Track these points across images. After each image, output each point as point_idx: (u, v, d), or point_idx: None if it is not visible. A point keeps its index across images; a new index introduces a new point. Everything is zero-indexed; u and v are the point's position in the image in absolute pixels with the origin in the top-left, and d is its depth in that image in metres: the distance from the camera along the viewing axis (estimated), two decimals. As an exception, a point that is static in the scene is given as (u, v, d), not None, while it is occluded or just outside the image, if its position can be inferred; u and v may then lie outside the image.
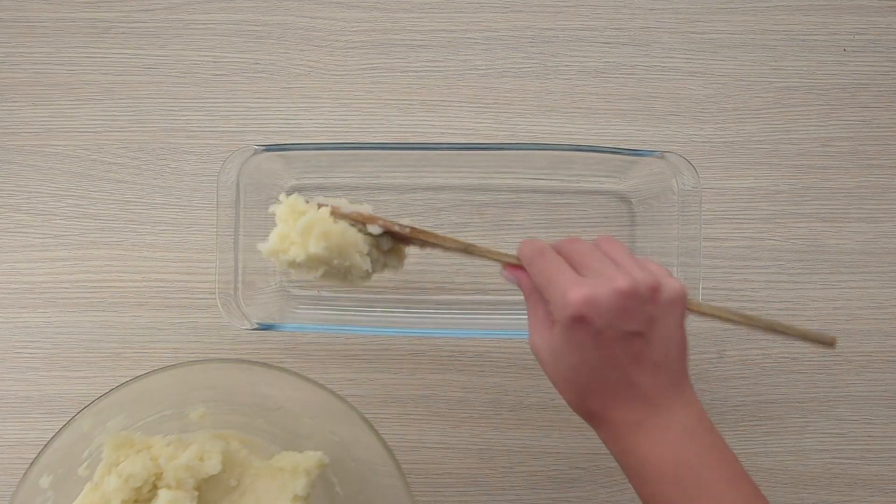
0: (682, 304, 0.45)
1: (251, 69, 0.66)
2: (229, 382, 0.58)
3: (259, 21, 0.66)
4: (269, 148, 0.57)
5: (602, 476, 0.64)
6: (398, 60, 0.66)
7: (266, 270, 0.63)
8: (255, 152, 0.57)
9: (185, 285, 0.65)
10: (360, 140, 0.65)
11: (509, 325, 0.63)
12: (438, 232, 0.51)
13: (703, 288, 0.57)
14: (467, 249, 0.50)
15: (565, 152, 0.59)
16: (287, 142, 0.65)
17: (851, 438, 0.64)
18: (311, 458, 0.55)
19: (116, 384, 0.64)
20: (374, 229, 0.50)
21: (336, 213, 0.49)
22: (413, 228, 0.50)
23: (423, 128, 0.66)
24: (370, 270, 0.51)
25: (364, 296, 0.65)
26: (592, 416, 0.46)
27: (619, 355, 0.44)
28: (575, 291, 0.43)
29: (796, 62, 0.66)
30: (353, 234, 0.49)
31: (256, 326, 0.58)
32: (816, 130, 0.66)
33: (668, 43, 0.66)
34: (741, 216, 0.65)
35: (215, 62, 0.66)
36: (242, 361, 0.57)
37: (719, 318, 0.48)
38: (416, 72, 0.66)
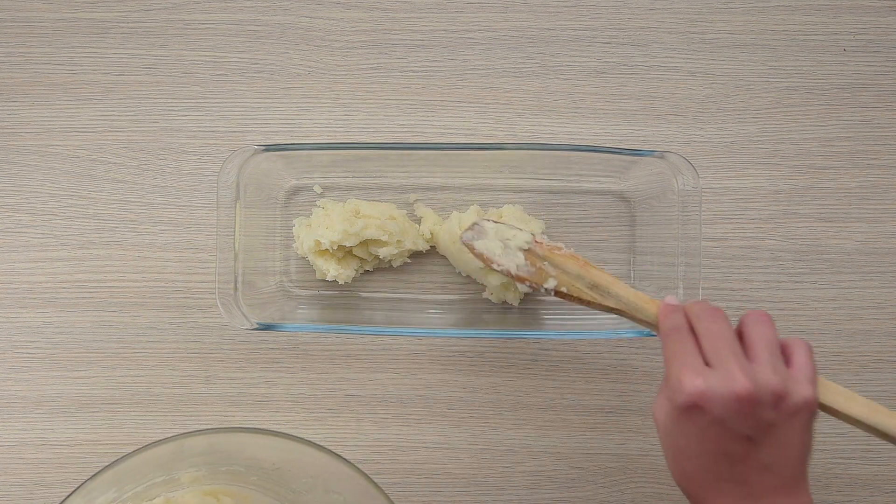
0: (809, 414, 0.42)
1: (251, 69, 0.66)
2: (224, 448, 0.55)
3: (259, 21, 0.66)
4: (269, 148, 0.57)
5: (602, 476, 0.64)
6: (398, 60, 0.66)
7: (266, 270, 0.63)
8: (256, 152, 0.57)
9: (185, 285, 0.65)
10: (361, 140, 0.65)
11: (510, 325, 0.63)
12: (586, 294, 0.51)
13: (703, 288, 0.57)
14: (615, 310, 0.50)
15: (565, 152, 0.59)
16: (287, 142, 0.65)
17: (851, 438, 0.64)
18: None
19: (116, 384, 0.64)
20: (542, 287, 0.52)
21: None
22: (558, 292, 0.51)
23: (423, 128, 0.65)
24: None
25: (364, 296, 0.65)
26: (691, 497, 0.44)
27: (725, 452, 0.42)
28: (690, 380, 0.41)
29: (796, 62, 0.66)
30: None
31: (256, 326, 0.58)
32: (816, 130, 0.66)
33: (668, 43, 0.66)
34: (741, 216, 0.65)
35: (215, 62, 0.66)
36: (240, 430, 0.54)
37: (855, 424, 0.44)
38: (416, 72, 0.66)
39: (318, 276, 0.63)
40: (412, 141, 0.65)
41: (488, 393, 0.65)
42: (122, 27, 0.66)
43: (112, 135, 0.66)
